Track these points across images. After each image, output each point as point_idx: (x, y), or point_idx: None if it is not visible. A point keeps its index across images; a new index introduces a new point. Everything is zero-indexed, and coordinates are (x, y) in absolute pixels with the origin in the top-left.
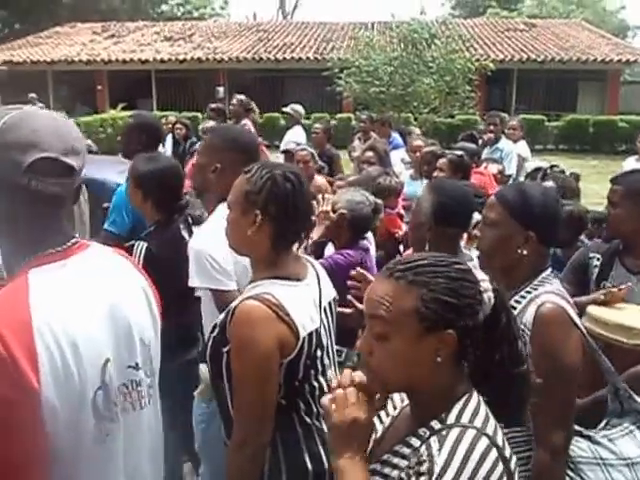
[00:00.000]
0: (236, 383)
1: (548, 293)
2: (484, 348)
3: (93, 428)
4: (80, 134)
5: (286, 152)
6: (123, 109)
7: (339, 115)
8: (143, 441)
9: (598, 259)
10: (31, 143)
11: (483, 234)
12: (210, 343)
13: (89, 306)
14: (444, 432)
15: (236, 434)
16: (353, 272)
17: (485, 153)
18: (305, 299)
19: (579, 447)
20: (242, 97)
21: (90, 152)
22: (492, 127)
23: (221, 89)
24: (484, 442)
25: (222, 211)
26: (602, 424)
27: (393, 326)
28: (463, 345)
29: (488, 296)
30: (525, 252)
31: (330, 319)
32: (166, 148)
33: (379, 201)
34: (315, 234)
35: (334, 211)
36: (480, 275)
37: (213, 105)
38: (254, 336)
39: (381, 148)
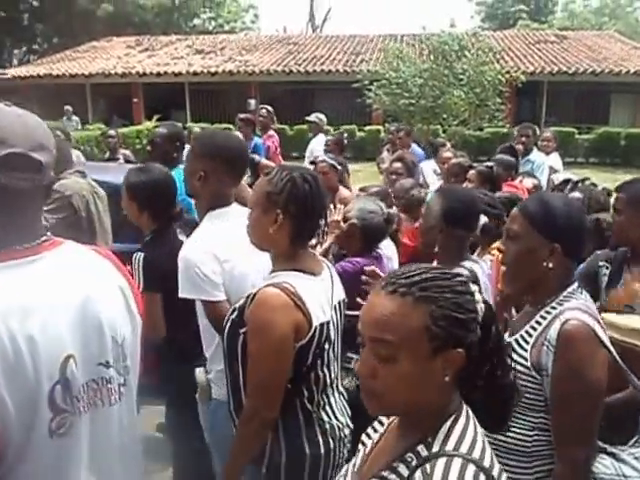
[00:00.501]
0: (252, 361)
1: (573, 309)
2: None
3: (49, 421)
4: (48, 130)
5: (313, 163)
6: (158, 120)
7: (368, 127)
8: (112, 438)
9: (607, 267)
10: (0, 139)
11: (507, 248)
12: (229, 325)
13: (54, 303)
14: (429, 466)
15: (247, 408)
16: (367, 268)
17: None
18: (319, 292)
19: (603, 464)
20: (269, 108)
21: (128, 162)
22: (524, 139)
23: (253, 101)
24: (471, 471)
25: (210, 221)
26: (632, 441)
27: (402, 347)
28: (469, 362)
29: (481, 307)
30: (551, 265)
31: (339, 317)
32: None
33: (392, 210)
34: (326, 243)
35: (345, 220)
36: (472, 285)
37: (242, 115)
38: (273, 319)
39: (409, 159)
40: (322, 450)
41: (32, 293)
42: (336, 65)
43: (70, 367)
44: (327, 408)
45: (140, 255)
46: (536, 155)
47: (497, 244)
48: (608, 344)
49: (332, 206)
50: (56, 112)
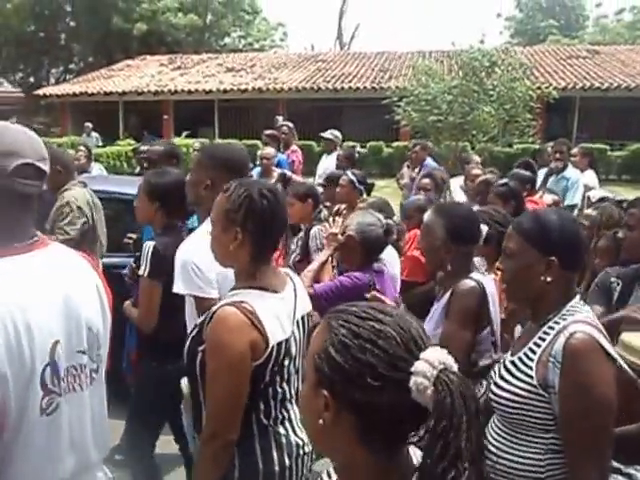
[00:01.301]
0: (209, 381)
1: (578, 322)
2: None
3: (40, 400)
4: (43, 145)
5: (329, 180)
6: (187, 137)
7: (396, 143)
8: (86, 418)
9: (618, 284)
10: (13, 151)
11: (505, 266)
12: (188, 341)
13: (45, 295)
14: None
15: (206, 428)
16: (368, 295)
17: (551, 182)
18: (278, 310)
19: None
20: (290, 124)
21: None
22: (558, 155)
23: (280, 118)
24: None
25: (208, 226)
26: None
27: (307, 366)
28: (360, 423)
29: (417, 382)
30: (549, 279)
31: (302, 331)
32: None
33: (390, 222)
34: (323, 255)
35: (343, 233)
36: (431, 354)
37: (268, 132)
38: (229, 339)
39: (439, 175)
40: (277, 467)
41: (29, 286)
42: (364, 82)
43: (57, 351)
44: (286, 423)
45: (151, 243)
46: (571, 172)
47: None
48: (616, 356)
49: (331, 219)
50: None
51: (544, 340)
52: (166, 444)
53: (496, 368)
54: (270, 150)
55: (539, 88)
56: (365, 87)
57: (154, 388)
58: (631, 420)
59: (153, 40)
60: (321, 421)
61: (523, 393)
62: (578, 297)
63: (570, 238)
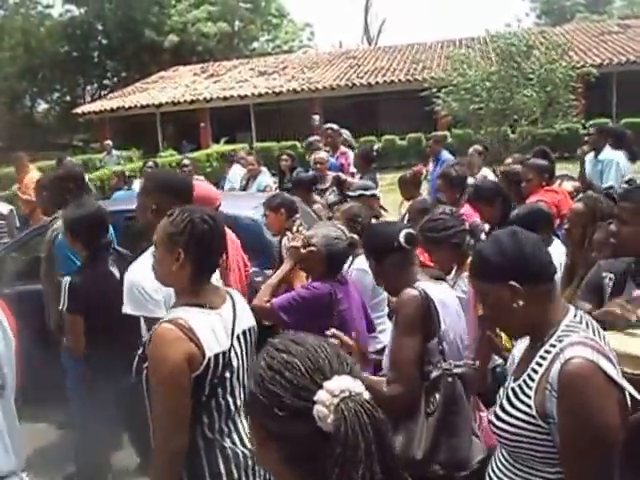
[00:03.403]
0: (152, 395)
1: (574, 345)
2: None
3: None
4: None
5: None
6: (226, 143)
7: (433, 133)
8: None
9: (610, 278)
10: None
11: (484, 313)
12: (136, 360)
13: None
14: None
15: (155, 441)
16: (328, 332)
17: (588, 167)
18: (215, 325)
19: None
20: (334, 126)
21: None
22: (587, 138)
23: (317, 117)
24: None
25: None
26: None
27: None
28: (283, 451)
29: (318, 410)
30: (521, 303)
31: (244, 345)
32: (232, 180)
33: (355, 236)
34: (282, 270)
35: (307, 246)
36: (334, 383)
37: (311, 139)
38: (165, 353)
39: (454, 175)
40: (225, 479)
41: None
42: (397, 75)
43: None
44: (233, 435)
45: (67, 279)
46: (606, 153)
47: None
48: (619, 380)
49: (292, 233)
50: (129, 141)
51: (541, 365)
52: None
53: (500, 394)
54: (323, 154)
55: (578, 67)
56: (400, 80)
57: (96, 403)
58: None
59: (184, 51)
60: (255, 446)
61: (523, 425)
62: (572, 312)
63: (514, 253)
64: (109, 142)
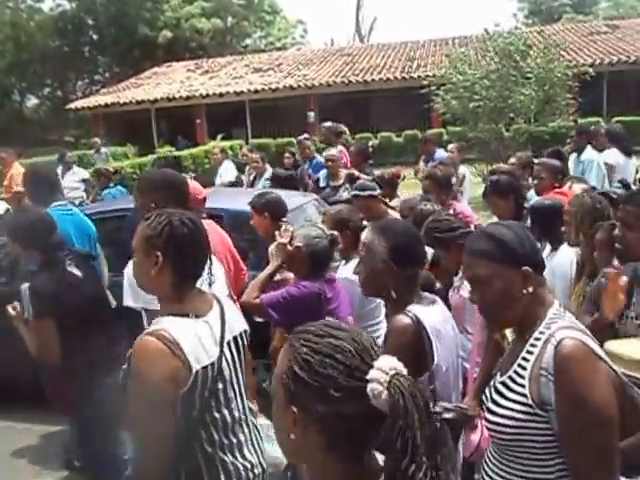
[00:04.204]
0: (133, 414)
1: (564, 329)
2: (389, 453)
3: None
4: None
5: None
6: (222, 139)
7: (430, 131)
8: None
9: None
10: None
11: (480, 295)
12: (122, 374)
13: None
14: None
15: (135, 469)
16: None
17: (571, 167)
18: (202, 335)
19: None
20: (329, 124)
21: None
22: (569, 139)
23: (312, 114)
24: None
25: None
26: None
27: (274, 390)
28: (327, 433)
29: (372, 388)
30: (531, 289)
31: (236, 352)
32: (224, 176)
33: (335, 233)
34: (270, 267)
35: (291, 244)
36: (382, 362)
37: (300, 137)
38: (147, 370)
39: (440, 175)
40: None
41: None
42: (393, 72)
43: None
44: (234, 448)
45: (25, 286)
46: (587, 154)
47: None
48: (607, 359)
49: (282, 230)
50: (123, 138)
51: (532, 353)
52: None
53: (487, 392)
54: (335, 151)
55: (576, 67)
56: (395, 77)
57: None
58: (624, 434)
59: (178, 47)
60: (292, 436)
61: (519, 416)
62: (557, 303)
63: (528, 242)
64: (97, 139)
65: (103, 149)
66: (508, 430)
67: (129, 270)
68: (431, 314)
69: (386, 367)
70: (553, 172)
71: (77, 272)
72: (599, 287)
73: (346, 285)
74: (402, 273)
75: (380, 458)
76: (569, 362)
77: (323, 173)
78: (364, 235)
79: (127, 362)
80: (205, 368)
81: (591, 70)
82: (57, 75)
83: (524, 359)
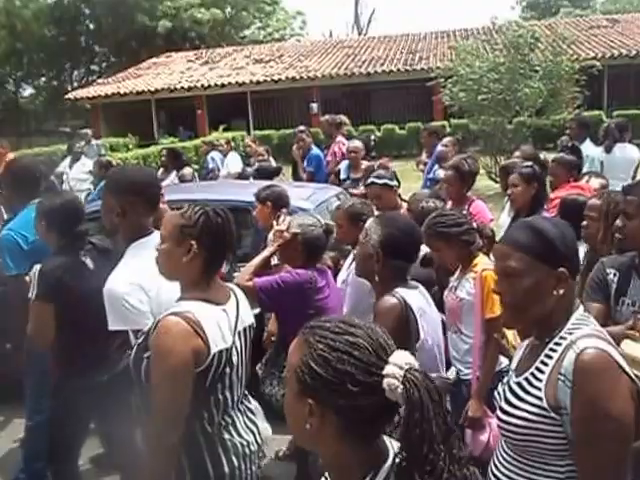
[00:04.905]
0: (154, 385)
1: (587, 337)
2: (405, 444)
3: None
4: None
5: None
6: (224, 130)
7: (432, 123)
8: None
9: (615, 274)
10: None
11: (508, 288)
12: (135, 349)
13: None
14: None
15: (152, 431)
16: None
17: None
18: (221, 321)
19: None
20: (327, 117)
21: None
22: (567, 132)
23: (315, 105)
24: None
25: (132, 252)
26: None
27: (286, 378)
28: (343, 422)
29: (389, 383)
30: (562, 291)
31: (244, 342)
32: (231, 167)
33: (330, 222)
34: (266, 251)
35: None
36: (397, 357)
37: (298, 129)
38: (172, 347)
39: (466, 168)
40: (226, 469)
41: None
42: (396, 65)
43: None
44: (230, 428)
45: (37, 266)
46: (584, 147)
47: (479, 260)
48: (629, 371)
49: (280, 217)
50: (123, 128)
51: (551, 358)
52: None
53: (500, 391)
54: (357, 143)
55: (584, 60)
56: (398, 69)
57: (63, 400)
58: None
59: (176, 37)
60: (308, 425)
61: (533, 417)
62: (582, 307)
63: (572, 244)
64: (87, 130)
65: (94, 141)
66: (520, 430)
67: (112, 289)
68: (415, 296)
69: (401, 362)
70: (568, 168)
71: (90, 264)
72: (603, 276)
73: (356, 278)
74: (389, 263)
75: (391, 442)
76: (590, 372)
77: (344, 165)
78: (368, 221)
79: (142, 337)
80: (221, 352)
81: (598, 63)
82: (53, 65)
83: (542, 362)
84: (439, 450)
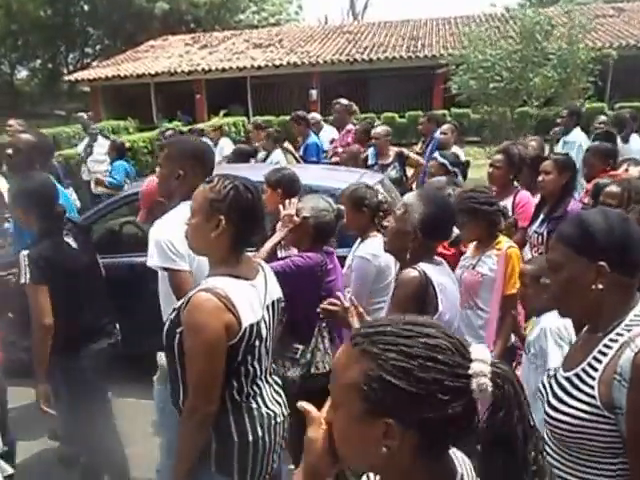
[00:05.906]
0: (189, 360)
1: None
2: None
3: None
4: None
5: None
6: (224, 116)
7: (431, 112)
8: None
9: None
10: None
11: (552, 280)
12: (167, 324)
13: None
14: None
15: (188, 403)
16: (322, 306)
17: (560, 148)
18: (250, 296)
19: None
20: (345, 101)
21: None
22: (559, 120)
23: (314, 92)
24: None
25: (183, 210)
26: None
27: (339, 397)
28: (425, 439)
29: (479, 382)
30: (601, 286)
31: (272, 316)
32: (225, 151)
33: (342, 207)
34: (276, 237)
35: (298, 216)
36: (479, 352)
37: (294, 114)
38: (205, 322)
39: (515, 152)
40: (250, 437)
41: None
42: (398, 51)
43: None
44: (257, 398)
45: (25, 252)
46: (573, 135)
47: (502, 239)
48: None
49: (287, 202)
50: (121, 112)
51: (606, 355)
52: None
53: (546, 384)
54: (382, 129)
55: (600, 49)
56: (401, 56)
57: (62, 380)
58: None
59: (173, 20)
60: (384, 449)
61: (585, 415)
62: None
63: (620, 238)
64: (83, 114)
65: (93, 125)
66: (570, 428)
67: (156, 229)
68: (438, 271)
69: (483, 357)
70: (603, 156)
71: (73, 243)
72: None
73: (360, 263)
74: (424, 242)
75: (455, 453)
76: None
77: (371, 150)
78: (407, 195)
79: (175, 312)
80: (251, 326)
81: (614, 53)
82: (48, 47)
83: (596, 359)
84: (539, 445)
